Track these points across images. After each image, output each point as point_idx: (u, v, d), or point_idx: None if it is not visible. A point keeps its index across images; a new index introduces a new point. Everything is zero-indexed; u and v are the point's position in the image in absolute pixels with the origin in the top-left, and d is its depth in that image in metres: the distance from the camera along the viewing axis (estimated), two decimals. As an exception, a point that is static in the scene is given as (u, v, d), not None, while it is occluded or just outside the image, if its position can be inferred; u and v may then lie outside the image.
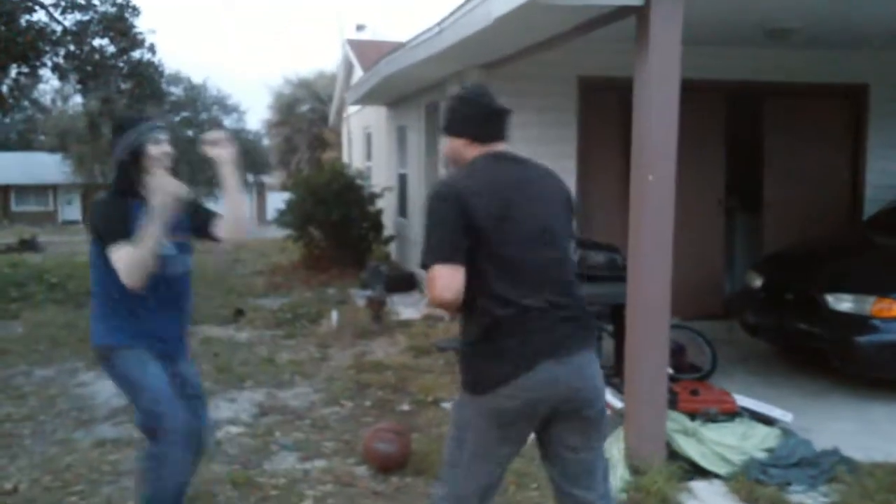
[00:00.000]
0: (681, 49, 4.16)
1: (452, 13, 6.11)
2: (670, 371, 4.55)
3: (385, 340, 7.64)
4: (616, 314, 5.81)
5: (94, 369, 6.58)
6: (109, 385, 6.09)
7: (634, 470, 4.08)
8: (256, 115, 57.93)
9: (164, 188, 3.11)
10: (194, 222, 3.41)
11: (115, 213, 3.18)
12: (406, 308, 9.16)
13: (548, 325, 2.55)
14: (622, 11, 4.42)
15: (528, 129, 7.50)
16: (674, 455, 4.25)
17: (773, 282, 6.45)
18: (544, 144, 7.52)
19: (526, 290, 2.54)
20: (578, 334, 2.61)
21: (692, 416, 4.51)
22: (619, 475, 4.02)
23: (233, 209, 3.41)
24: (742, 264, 8.50)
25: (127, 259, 3.02)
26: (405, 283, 10.46)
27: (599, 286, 5.35)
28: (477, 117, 2.73)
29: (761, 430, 4.50)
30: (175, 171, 3.36)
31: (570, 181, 7.60)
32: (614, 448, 4.19)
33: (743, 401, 4.87)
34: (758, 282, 6.61)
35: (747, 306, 6.70)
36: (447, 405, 5.50)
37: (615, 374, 5.65)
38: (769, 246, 8.01)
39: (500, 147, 2.72)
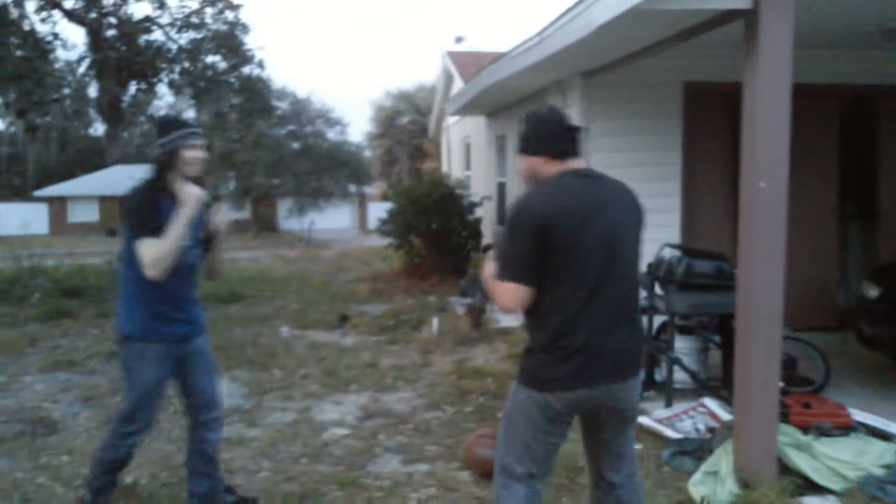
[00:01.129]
0: (791, 53, 4.05)
1: (553, 22, 6.11)
2: (781, 384, 4.41)
3: (485, 347, 7.68)
4: (724, 324, 5.68)
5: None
6: (224, 386, 6.38)
7: (744, 484, 3.98)
8: (358, 127, 59.16)
9: (191, 192, 3.38)
10: (206, 222, 3.68)
11: (147, 206, 3.41)
12: (505, 316, 9.17)
13: (613, 346, 2.73)
14: (729, 15, 4.33)
15: (631, 137, 7.43)
16: (785, 469, 4.11)
17: (891, 292, 6.16)
18: (647, 152, 7.43)
19: (597, 306, 2.69)
20: (636, 359, 2.81)
21: (805, 429, 4.35)
22: (727, 489, 3.93)
23: (213, 257, 3.73)
24: (856, 274, 8.15)
25: (154, 251, 3.28)
26: (505, 291, 10.48)
27: (707, 295, 5.24)
28: (554, 136, 2.83)
29: (878, 445, 4.31)
30: (203, 176, 3.60)
31: (675, 189, 7.48)
32: (723, 461, 4.10)
33: (858, 415, 4.68)
34: (874, 292, 6.33)
35: (863, 317, 6.42)
36: (549, 413, 5.49)
37: (723, 386, 5.52)
38: (885, 255, 7.66)
39: (576, 164, 2.83)
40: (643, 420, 5.12)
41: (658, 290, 5.70)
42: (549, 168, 2.81)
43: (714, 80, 7.18)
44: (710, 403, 5.20)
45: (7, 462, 4.70)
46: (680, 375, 5.58)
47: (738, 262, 4.28)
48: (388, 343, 8.09)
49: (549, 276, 2.68)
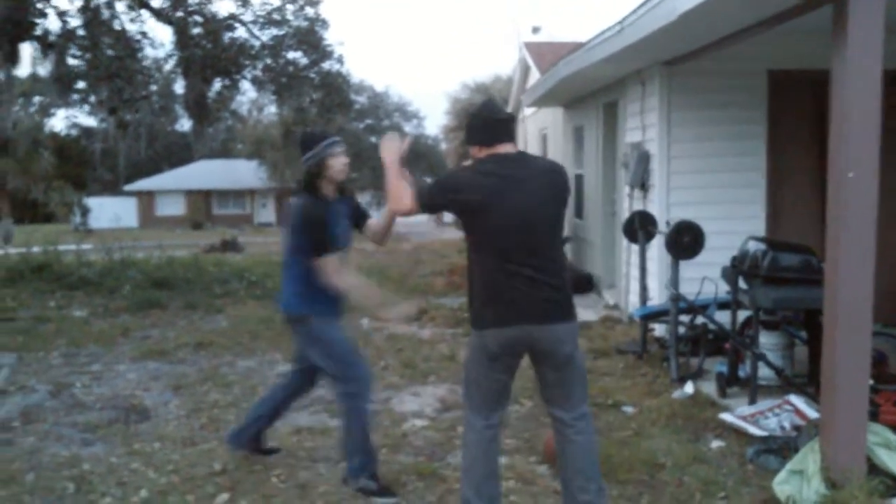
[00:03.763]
0: (883, 38, 3.90)
1: (635, 10, 6.03)
2: (871, 381, 4.27)
3: (563, 341, 7.63)
4: (810, 319, 5.53)
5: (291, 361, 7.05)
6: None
7: (832, 484, 3.87)
8: (435, 120, 59.59)
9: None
10: (353, 215, 4.30)
11: (322, 222, 3.98)
12: (584, 310, 9.10)
13: (532, 297, 3.30)
14: (817, 1, 4.20)
15: (714, 126, 7.29)
16: (875, 469, 3.97)
17: None
18: (730, 141, 7.28)
19: (514, 265, 3.29)
20: (557, 309, 3.35)
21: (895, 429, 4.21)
22: (814, 488, 3.83)
23: (382, 222, 4.30)
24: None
25: (330, 266, 3.97)
26: (583, 284, 10.41)
27: (792, 289, 5.10)
28: (483, 127, 3.43)
29: (977, 447, 4.13)
30: (349, 178, 4.27)
31: (759, 180, 7.31)
32: (809, 460, 3.99)
33: (955, 415, 4.49)
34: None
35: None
36: (628, 409, 5.44)
37: (809, 382, 5.37)
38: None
39: (505, 148, 3.41)
40: (726, 417, 5.03)
41: (742, 284, 5.58)
42: (481, 154, 3.43)
43: (800, 68, 6.99)
44: (797, 400, 5.07)
45: (102, 448, 4.92)
46: (765, 372, 5.45)
47: (826, 255, 4.16)
48: (464, 336, 8.12)
49: (474, 240, 3.38)
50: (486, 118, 3.44)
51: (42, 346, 7.92)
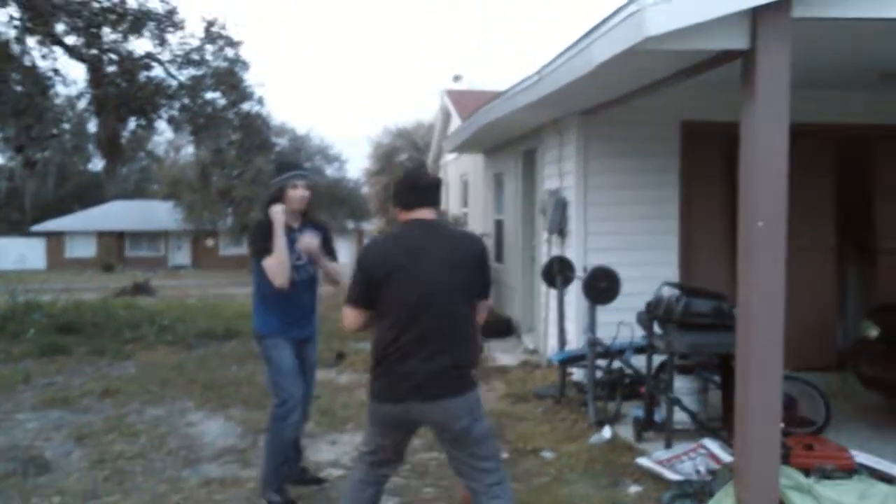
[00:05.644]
0: (789, 93, 4.07)
1: (553, 61, 6.15)
2: (782, 424, 4.36)
3: (483, 387, 7.58)
4: (724, 364, 5.64)
5: (203, 409, 6.80)
6: (216, 426, 6.32)
7: (746, 527, 3.91)
8: (356, 164, 59.28)
9: (275, 210, 4.39)
10: (323, 248, 4.55)
11: (263, 234, 4.37)
12: (503, 354, 9.12)
13: (425, 371, 3.24)
14: (727, 55, 4.36)
15: (629, 175, 7.46)
16: (788, 513, 4.05)
17: (890, 332, 6.12)
18: (645, 189, 7.46)
19: (409, 337, 3.25)
20: (452, 383, 3.27)
21: (806, 472, 4.30)
22: (729, 532, 3.86)
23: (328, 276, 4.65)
24: (855, 313, 8.12)
25: (270, 265, 4.34)
26: (502, 328, 10.43)
27: (706, 335, 5.20)
28: (403, 192, 3.49)
29: (882, 488, 4.25)
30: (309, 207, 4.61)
31: (673, 227, 7.49)
32: (724, 503, 4.03)
33: (860, 457, 4.62)
34: (874, 332, 6.29)
35: (862, 357, 6.38)
36: (547, 454, 5.42)
37: (723, 427, 5.46)
38: (883, 295, 7.64)
39: (424, 214, 3.43)
40: (643, 461, 5.06)
41: (657, 328, 5.67)
42: (402, 217, 3.48)
43: (712, 119, 7.19)
44: (711, 444, 5.14)
45: (-3, 502, 4.62)
46: (680, 416, 5.52)
47: (738, 301, 4.26)
48: (384, 381, 8.00)
49: (378, 308, 3.34)
50: (408, 184, 3.50)
51: (-67, 394, 7.45)
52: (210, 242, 43.20)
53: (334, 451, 5.62)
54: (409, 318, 3.26)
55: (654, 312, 5.65)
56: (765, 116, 4.06)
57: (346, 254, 40.13)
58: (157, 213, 42.87)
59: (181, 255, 44.88)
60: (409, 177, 3.59)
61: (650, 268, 7.11)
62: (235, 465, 5.29)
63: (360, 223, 39.06)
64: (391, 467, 3.59)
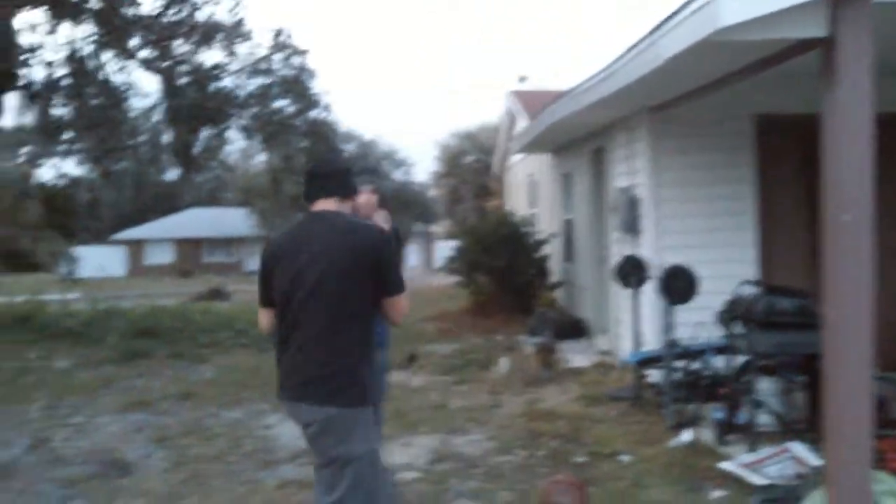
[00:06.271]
0: (872, 81, 3.89)
1: (620, 57, 6.04)
2: (874, 427, 4.17)
3: (556, 388, 7.52)
4: (807, 364, 5.44)
5: (279, 412, 6.88)
6: (291, 428, 6.37)
7: (837, 535, 3.75)
8: (423, 167, 59.89)
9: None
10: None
11: None
12: (576, 355, 9.01)
13: (303, 371, 3.05)
14: (805, 44, 4.19)
15: (702, 171, 7.28)
16: (881, 520, 3.87)
17: None
18: (718, 186, 7.27)
19: (297, 333, 3.06)
20: (321, 391, 3.00)
21: (901, 477, 4.10)
22: (819, 540, 3.70)
23: None
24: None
25: None
26: (574, 329, 10.30)
27: (789, 334, 5.03)
28: (304, 182, 3.29)
29: (984, 494, 4.02)
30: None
31: (749, 223, 7.27)
32: (813, 510, 3.87)
33: (959, 461, 4.39)
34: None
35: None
36: (624, 458, 5.31)
37: (808, 429, 5.27)
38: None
39: (316, 206, 3.20)
40: (726, 465, 4.91)
41: (737, 328, 5.50)
42: (308, 209, 3.27)
43: (786, 112, 7.00)
44: (797, 448, 4.95)
45: (83, 503, 4.75)
46: (763, 418, 5.35)
47: (824, 298, 4.09)
48: (456, 383, 8.00)
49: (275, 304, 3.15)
50: (308, 174, 3.30)
51: (22, 398, 7.73)
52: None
53: (408, 454, 5.61)
54: (286, 316, 3.07)
55: (734, 312, 5.48)
56: (847, 106, 3.88)
57: (415, 257, 40.43)
58: (232, 220, 43.90)
59: (255, 261, 45.78)
60: (311, 166, 3.40)
61: (726, 265, 6.92)
62: (311, 468, 5.32)
63: (428, 226, 39.27)
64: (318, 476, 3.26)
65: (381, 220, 4.40)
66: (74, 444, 6.12)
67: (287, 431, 6.26)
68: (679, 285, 6.08)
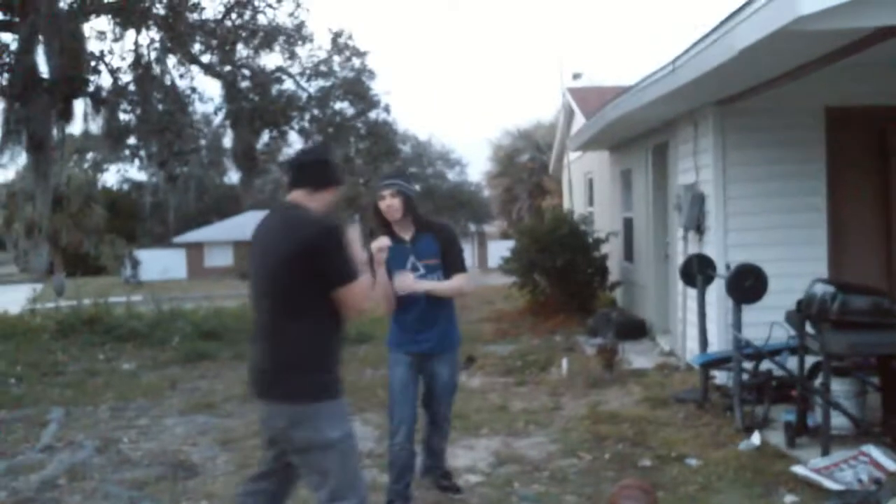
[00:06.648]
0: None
1: (688, 49, 5.90)
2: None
3: (618, 390, 7.38)
4: (883, 365, 5.24)
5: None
6: (356, 429, 6.36)
7: (923, 545, 3.58)
8: (477, 167, 59.76)
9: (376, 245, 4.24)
10: (445, 258, 4.37)
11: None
12: (638, 356, 8.85)
13: (255, 367, 3.14)
14: (885, 32, 4.04)
15: (771, 166, 7.08)
16: (971, 530, 3.69)
17: None
18: (788, 181, 7.07)
19: (254, 329, 3.17)
20: (269, 386, 3.06)
21: None
22: (904, 550, 3.54)
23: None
24: None
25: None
26: (636, 329, 10.13)
27: (865, 334, 4.83)
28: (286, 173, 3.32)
29: None
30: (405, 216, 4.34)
31: (820, 220, 7.05)
32: (897, 518, 3.71)
33: None
34: None
35: None
36: (692, 462, 5.18)
37: (885, 432, 5.07)
38: None
39: (292, 195, 3.17)
40: (799, 470, 4.75)
41: (809, 328, 5.31)
42: None
43: (860, 104, 6.76)
44: (874, 451, 4.76)
45: (151, 505, 4.81)
46: (836, 421, 5.15)
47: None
48: (516, 385, 7.92)
49: None
50: (287, 164, 3.39)
51: (90, 399, 7.90)
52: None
53: (470, 457, 5.56)
54: (254, 308, 3.19)
55: (806, 311, 5.29)
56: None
57: (468, 256, 40.58)
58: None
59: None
60: (291, 156, 3.43)
61: (796, 264, 6.71)
62: (374, 470, 5.32)
63: (481, 226, 39.19)
64: (270, 482, 3.27)
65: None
66: (141, 445, 6.22)
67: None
68: (748, 284, 5.90)
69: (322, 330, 3.03)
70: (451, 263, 4.37)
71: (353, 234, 3.49)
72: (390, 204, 4.24)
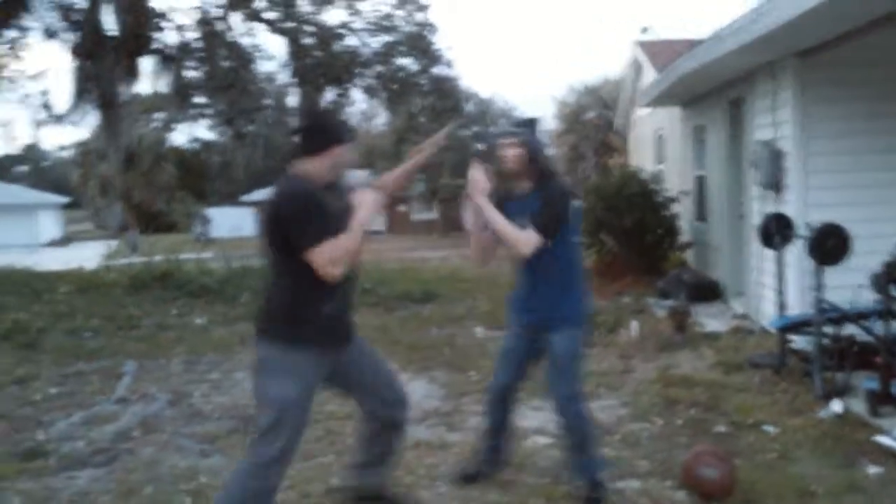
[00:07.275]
0: None
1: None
2: None
3: (690, 354, 7.19)
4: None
5: (407, 371, 6.87)
6: (420, 388, 6.36)
7: None
8: (542, 125, 58.95)
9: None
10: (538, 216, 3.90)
11: None
12: (710, 319, 8.61)
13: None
14: None
15: (855, 122, 6.75)
16: None
17: None
18: (875, 136, 6.74)
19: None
20: (257, 321, 3.47)
21: None
22: None
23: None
24: None
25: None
26: (708, 291, 9.86)
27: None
28: None
29: None
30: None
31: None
32: None
33: None
34: None
35: None
36: (769, 429, 5.00)
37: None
38: None
39: (296, 164, 3.42)
40: (883, 440, 4.54)
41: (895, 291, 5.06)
42: None
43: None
44: (965, 423, 4.53)
45: (220, 459, 4.87)
46: (925, 389, 4.91)
47: None
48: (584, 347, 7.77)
49: None
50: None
51: (163, 353, 8.07)
52: (402, 208, 44.56)
53: (538, 418, 5.47)
54: None
55: (892, 273, 5.03)
56: None
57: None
58: (356, 181, 44.65)
59: (377, 221, 46.59)
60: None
61: (881, 224, 6.40)
62: (442, 428, 5.29)
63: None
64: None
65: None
66: (212, 399, 6.32)
67: (418, 390, 6.24)
68: (831, 245, 5.64)
69: (297, 289, 3.32)
70: (534, 219, 3.88)
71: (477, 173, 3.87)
72: (512, 155, 4.03)
